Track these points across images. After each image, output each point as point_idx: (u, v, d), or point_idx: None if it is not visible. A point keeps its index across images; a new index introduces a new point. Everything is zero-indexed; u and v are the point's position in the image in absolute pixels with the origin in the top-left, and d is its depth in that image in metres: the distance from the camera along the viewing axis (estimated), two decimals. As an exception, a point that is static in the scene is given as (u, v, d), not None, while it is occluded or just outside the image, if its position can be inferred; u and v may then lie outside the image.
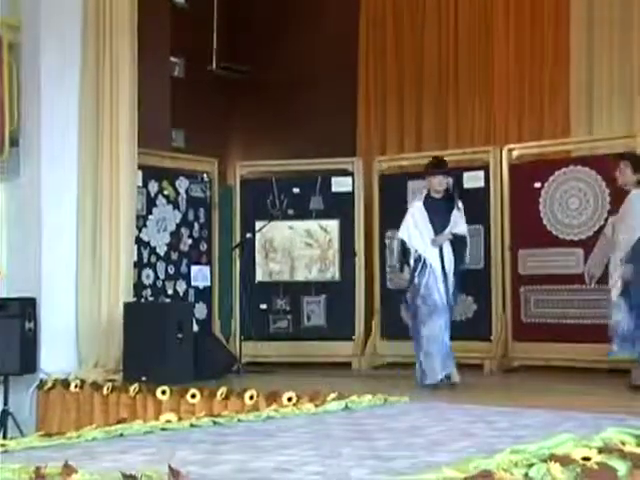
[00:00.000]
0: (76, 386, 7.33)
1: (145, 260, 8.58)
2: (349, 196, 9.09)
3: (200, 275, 9.11)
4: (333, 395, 5.77)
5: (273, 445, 4.13)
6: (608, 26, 8.72)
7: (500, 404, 5.68)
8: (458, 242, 6.93)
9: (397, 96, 10.46)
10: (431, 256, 6.83)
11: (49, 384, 7.48)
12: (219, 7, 11.70)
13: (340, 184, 9.15)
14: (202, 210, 9.19)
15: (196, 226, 9.12)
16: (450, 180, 6.98)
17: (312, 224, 9.18)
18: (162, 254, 8.77)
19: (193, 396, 6.62)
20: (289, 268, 9.21)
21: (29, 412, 7.53)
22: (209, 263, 9.21)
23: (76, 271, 7.80)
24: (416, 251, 6.86)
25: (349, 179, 9.14)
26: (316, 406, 5.53)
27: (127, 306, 7.56)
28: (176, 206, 8.96)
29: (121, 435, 4.49)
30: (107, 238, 7.76)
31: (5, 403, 7.38)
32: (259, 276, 9.24)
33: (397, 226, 7.39)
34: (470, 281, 7.67)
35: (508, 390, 7.09)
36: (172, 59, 11.25)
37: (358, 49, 10.80)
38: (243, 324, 8.87)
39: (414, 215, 6.96)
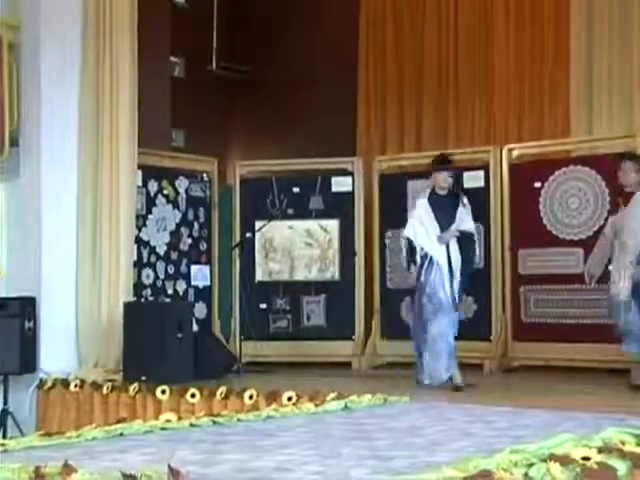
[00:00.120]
0: (76, 386, 7.33)
1: (145, 260, 8.58)
2: (349, 196, 9.09)
3: (200, 275, 9.11)
4: (333, 395, 5.77)
5: (273, 445, 4.13)
6: (608, 26, 8.72)
7: (500, 404, 5.68)
8: (465, 239, 6.84)
9: (397, 96, 10.46)
10: (437, 254, 6.73)
11: (49, 384, 7.48)
12: (219, 7, 11.70)
13: (340, 184, 9.14)
14: (202, 210, 9.19)
15: (196, 226, 9.12)
16: (450, 179, 6.91)
17: (312, 224, 9.18)
18: (162, 254, 8.77)
19: (193, 396, 6.62)
20: (289, 268, 9.21)
21: (29, 412, 7.53)
22: (209, 263, 9.21)
23: (76, 271, 7.80)
24: (422, 249, 6.76)
25: (349, 179, 9.14)
26: (316, 406, 5.53)
27: (127, 306, 7.56)
28: (176, 206, 8.96)
29: (121, 435, 4.49)
30: (107, 238, 7.76)
31: (5, 403, 7.38)
32: (259, 276, 9.24)
33: (397, 226, 7.40)
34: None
35: (508, 390, 7.08)
36: (172, 59, 11.26)
37: (358, 49, 10.79)
38: (243, 324, 8.87)
39: (419, 212, 6.86)
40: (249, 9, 11.85)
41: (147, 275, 8.60)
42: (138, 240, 8.35)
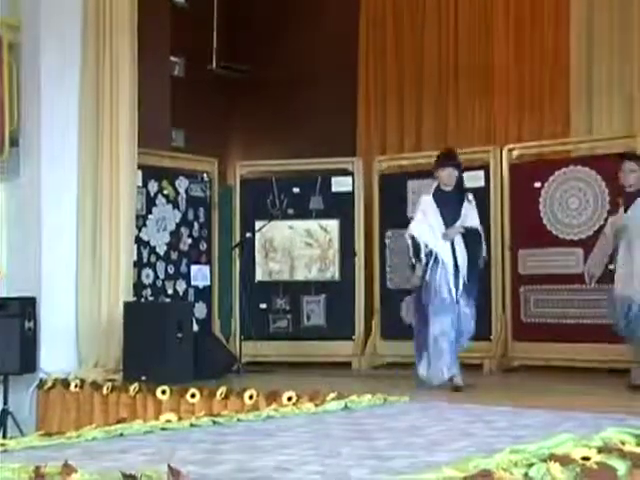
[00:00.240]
0: (76, 386, 7.33)
1: (145, 260, 8.58)
2: (349, 196, 9.09)
3: (200, 275, 9.11)
4: (333, 395, 5.77)
5: (273, 445, 4.13)
6: (608, 26, 8.73)
7: (500, 404, 5.68)
8: (471, 236, 6.71)
9: (397, 96, 10.46)
10: (442, 251, 6.63)
11: (49, 384, 7.48)
12: (219, 6, 11.70)
13: (340, 184, 9.15)
14: (202, 210, 9.19)
15: (196, 226, 9.12)
16: (455, 175, 6.77)
17: (312, 224, 9.18)
18: (162, 254, 8.77)
19: (193, 396, 6.62)
20: (289, 268, 9.21)
21: (29, 412, 7.53)
22: (209, 263, 9.21)
23: (76, 271, 7.80)
24: (427, 246, 6.66)
25: (349, 179, 9.14)
26: (316, 406, 5.53)
27: (127, 306, 7.55)
28: (176, 206, 8.96)
29: (121, 435, 4.49)
30: (107, 238, 7.76)
31: (5, 402, 7.38)
32: (259, 276, 9.24)
33: (397, 226, 7.37)
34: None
35: (508, 390, 7.08)
36: (172, 59, 11.26)
37: (358, 49, 10.79)
38: (243, 324, 8.87)
39: (424, 209, 6.75)
40: (249, 9, 11.85)
41: (147, 275, 8.60)
42: (138, 240, 8.35)
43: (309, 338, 9.02)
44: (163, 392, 6.75)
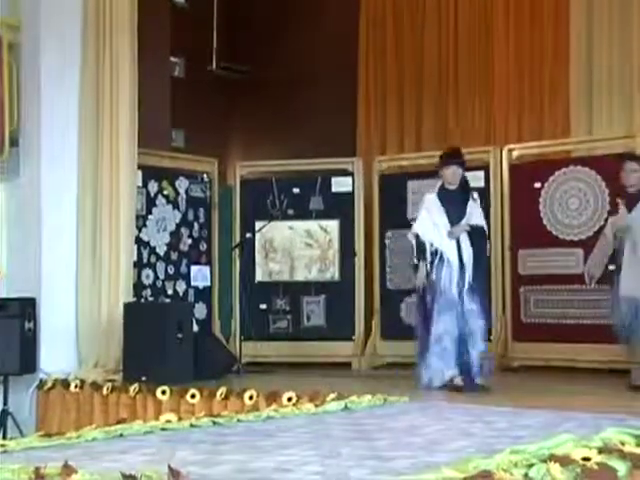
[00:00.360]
0: (76, 386, 7.32)
1: (145, 260, 8.58)
2: (349, 196, 9.09)
3: (200, 275, 9.11)
4: (333, 395, 5.77)
5: (273, 445, 4.13)
6: (608, 26, 8.73)
7: (500, 404, 5.68)
8: (476, 234, 6.69)
9: (397, 96, 10.46)
10: (448, 249, 6.59)
11: (49, 384, 7.47)
12: (219, 7, 11.70)
13: (340, 184, 9.14)
14: (202, 210, 9.19)
15: (196, 226, 9.12)
16: (459, 173, 6.74)
17: (312, 224, 9.18)
18: (162, 254, 8.77)
19: (193, 396, 6.62)
20: (289, 268, 9.21)
21: (29, 412, 7.53)
22: (209, 263, 9.21)
23: (76, 271, 7.80)
24: (432, 244, 6.61)
25: (349, 179, 9.14)
26: (316, 406, 5.52)
27: (127, 306, 7.55)
28: (176, 206, 8.96)
29: (121, 435, 4.49)
30: (107, 238, 7.76)
31: (5, 403, 7.38)
32: (259, 276, 9.24)
33: (397, 226, 7.37)
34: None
35: (508, 390, 7.07)
36: (172, 59, 11.25)
37: (358, 49, 10.79)
38: (243, 324, 8.86)
39: (428, 207, 6.71)
40: (249, 9, 11.85)
41: (147, 275, 8.60)
42: (138, 240, 8.35)
43: (309, 338, 9.02)
44: (163, 392, 6.75)
